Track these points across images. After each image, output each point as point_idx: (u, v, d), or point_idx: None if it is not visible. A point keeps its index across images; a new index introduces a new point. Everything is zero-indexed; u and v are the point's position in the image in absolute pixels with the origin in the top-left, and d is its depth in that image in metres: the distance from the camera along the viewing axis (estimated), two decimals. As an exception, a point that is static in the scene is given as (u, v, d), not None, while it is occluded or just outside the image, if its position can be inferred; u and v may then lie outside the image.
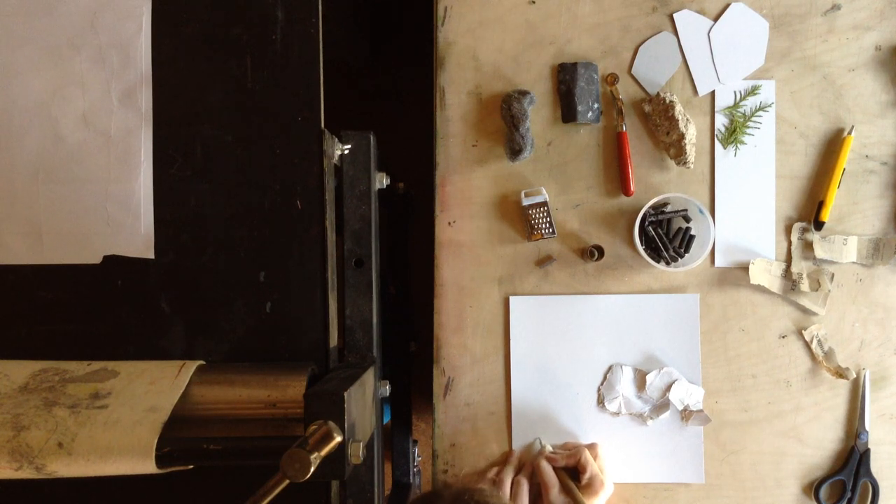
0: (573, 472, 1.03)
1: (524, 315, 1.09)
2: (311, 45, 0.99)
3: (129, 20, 0.99)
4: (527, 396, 1.09)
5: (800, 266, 1.07)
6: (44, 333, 0.98)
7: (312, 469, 0.70)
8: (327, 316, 0.97)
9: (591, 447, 1.05)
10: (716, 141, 1.08)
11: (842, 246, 1.07)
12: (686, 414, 1.07)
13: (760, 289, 1.08)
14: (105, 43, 0.99)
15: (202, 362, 0.95)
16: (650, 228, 1.06)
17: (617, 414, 1.08)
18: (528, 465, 1.07)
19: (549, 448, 1.07)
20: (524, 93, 1.06)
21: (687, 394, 1.07)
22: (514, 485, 1.03)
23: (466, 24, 1.10)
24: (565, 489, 1.00)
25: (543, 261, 1.09)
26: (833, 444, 1.08)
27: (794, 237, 1.07)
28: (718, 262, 1.08)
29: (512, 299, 1.09)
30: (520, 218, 1.09)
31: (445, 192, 1.10)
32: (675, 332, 1.08)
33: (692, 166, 1.06)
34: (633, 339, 1.08)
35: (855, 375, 1.06)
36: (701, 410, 1.06)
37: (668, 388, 1.07)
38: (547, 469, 1.03)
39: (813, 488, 1.07)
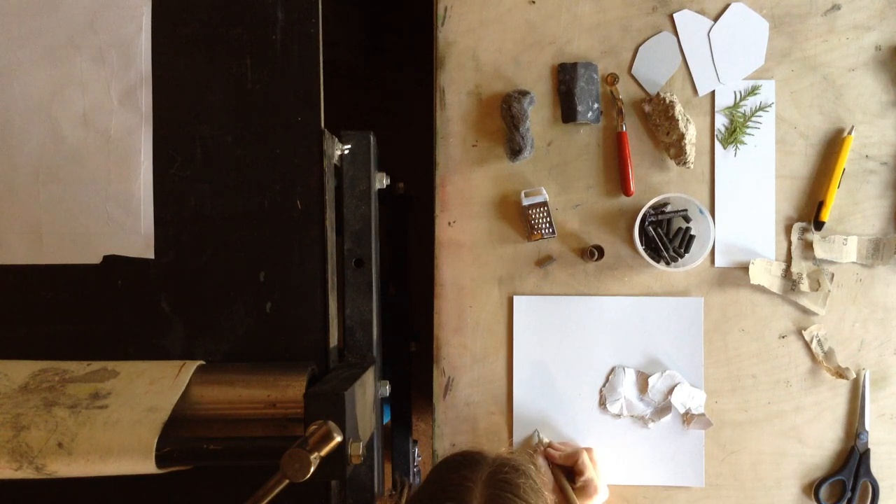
0: (568, 473, 1.03)
1: (527, 315, 1.09)
2: (311, 45, 0.99)
3: (129, 20, 0.99)
4: (528, 396, 1.09)
5: (800, 266, 1.07)
6: (44, 333, 0.98)
7: (312, 469, 0.70)
8: (327, 316, 0.97)
9: (588, 451, 1.05)
10: (716, 141, 1.08)
11: (842, 246, 1.07)
12: (688, 418, 1.07)
13: (760, 289, 1.08)
14: (105, 43, 0.99)
15: (202, 362, 0.95)
16: (650, 228, 1.06)
17: (618, 416, 1.08)
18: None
19: (546, 440, 1.07)
20: (524, 93, 1.06)
21: (689, 397, 1.07)
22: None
23: (466, 24, 1.10)
24: (560, 488, 1.00)
25: (543, 261, 1.09)
26: (833, 444, 1.08)
27: (794, 237, 1.07)
28: (718, 262, 1.08)
29: (516, 298, 1.09)
30: (520, 218, 1.09)
31: (445, 192, 1.10)
32: (678, 336, 1.08)
33: (692, 166, 1.06)
34: (635, 341, 1.08)
35: (855, 375, 1.06)
36: (702, 414, 1.06)
37: (671, 391, 1.07)
38: (542, 466, 1.02)
39: (813, 488, 1.07)
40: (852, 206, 1.07)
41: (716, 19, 1.08)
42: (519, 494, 0.75)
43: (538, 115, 1.09)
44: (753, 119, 1.07)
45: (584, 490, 1.00)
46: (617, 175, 1.08)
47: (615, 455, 1.08)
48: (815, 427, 1.08)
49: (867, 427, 1.06)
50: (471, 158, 1.10)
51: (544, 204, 1.07)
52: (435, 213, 1.10)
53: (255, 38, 0.99)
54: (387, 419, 1.51)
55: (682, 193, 1.05)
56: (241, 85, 0.99)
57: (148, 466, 0.80)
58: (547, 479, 1.01)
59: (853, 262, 1.07)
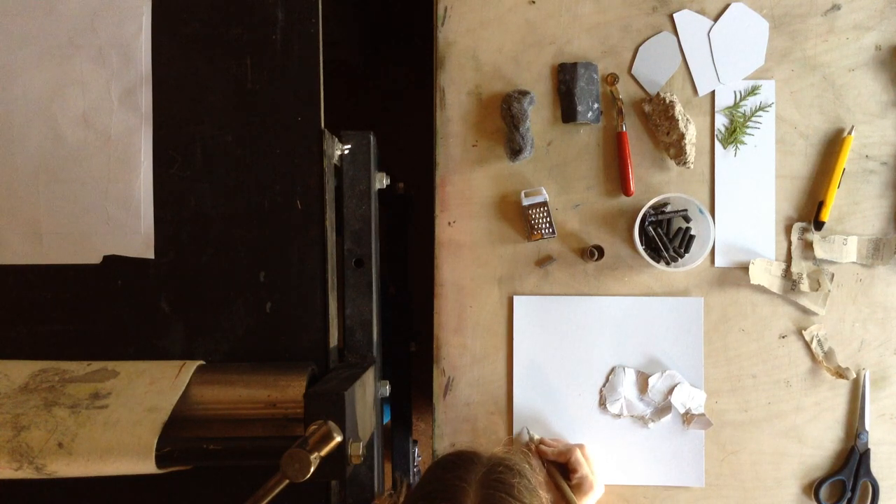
0: (563, 471, 1.03)
1: (527, 315, 1.09)
2: (311, 45, 0.99)
3: (129, 20, 0.99)
4: (528, 396, 1.09)
5: (800, 266, 1.07)
6: (44, 333, 0.98)
7: (312, 469, 0.70)
8: (327, 316, 0.97)
9: (581, 447, 1.04)
10: (716, 141, 1.08)
11: (842, 246, 1.07)
12: (688, 418, 1.07)
13: (760, 289, 1.08)
14: (105, 43, 1.00)
15: (202, 362, 0.95)
16: (650, 228, 1.06)
17: (618, 416, 1.08)
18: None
19: (536, 437, 1.07)
20: (524, 93, 1.06)
21: (689, 397, 1.07)
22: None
23: (466, 24, 1.10)
24: (556, 486, 1.00)
25: (543, 261, 1.09)
26: (833, 444, 1.08)
27: (794, 237, 1.07)
28: (718, 262, 1.08)
29: (516, 299, 1.09)
30: (520, 218, 1.09)
31: (445, 192, 1.10)
32: (678, 336, 1.08)
33: (692, 166, 1.06)
34: (635, 341, 1.08)
35: (855, 375, 1.06)
36: (702, 414, 1.06)
37: (671, 391, 1.07)
38: (537, 465, 1.02)
39: (813, 488, 1.07)
40: (852, 206, 1.07)
41: (716, 19, 1.08)
42: (513, 494, 0.75)
43: (538, 115, 1.09)
44: (753, 119, 1.07)
45: (580, 487, 1.00)
46: (617, 175, 1.08)
47: (615, 455, 1.08)
48: (815, 427, 1.08)
49: (867, 427, 1.06)
50: (471, 158, 1.10)
51: (544, 204, 1.07)
52: (435, 213, 1.10)
53: (255, 38, 0.99)
54: (387, 419, 1.51)
55: (682, 193, 1.05)
56: (241, 85, 0.99)
57: (148, 466, 0.80)
58: (542, 477, 1.01)
59: (853, 262, 1.07)
